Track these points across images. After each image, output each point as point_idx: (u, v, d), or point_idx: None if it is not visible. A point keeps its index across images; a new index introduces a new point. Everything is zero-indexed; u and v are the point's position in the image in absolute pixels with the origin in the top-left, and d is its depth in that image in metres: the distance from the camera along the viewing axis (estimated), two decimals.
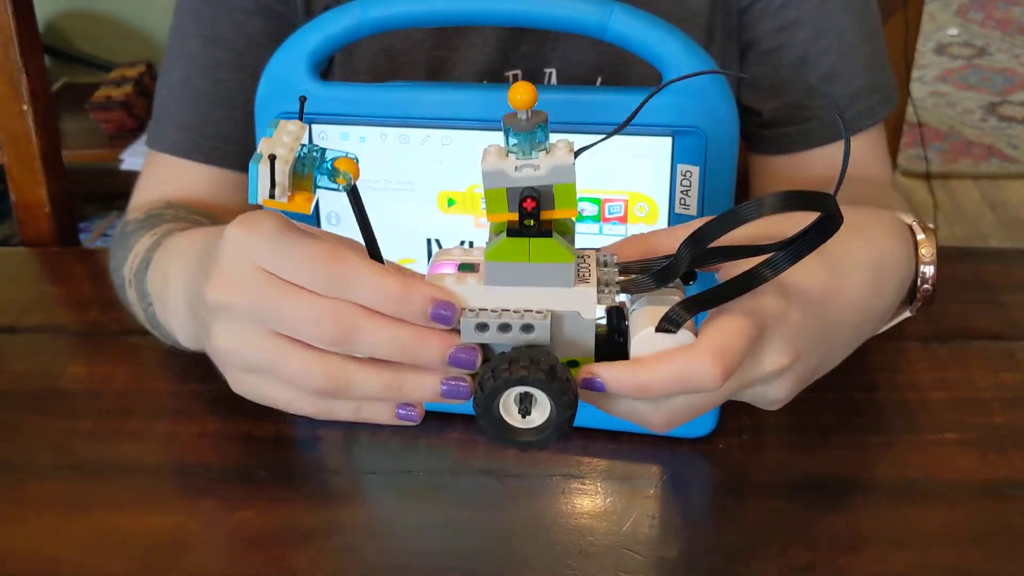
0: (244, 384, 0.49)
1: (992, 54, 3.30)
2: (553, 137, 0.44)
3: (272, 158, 0.43)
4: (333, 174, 0.45)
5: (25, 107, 1.02)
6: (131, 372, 0.78)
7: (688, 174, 0.62)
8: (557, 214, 0.44)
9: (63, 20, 2.35)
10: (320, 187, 0.45)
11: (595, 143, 0.46)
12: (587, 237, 0.63)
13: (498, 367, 0.44)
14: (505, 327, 0.44)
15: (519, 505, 0.65)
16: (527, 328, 0.44)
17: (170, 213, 0.73)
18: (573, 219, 0.46)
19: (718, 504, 0.66)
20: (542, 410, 0.45)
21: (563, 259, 0.44)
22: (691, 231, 0.43)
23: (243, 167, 0.79)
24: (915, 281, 0.60)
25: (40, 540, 0.63)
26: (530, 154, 0.42)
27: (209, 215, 0.76)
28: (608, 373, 0.45)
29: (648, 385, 0.44)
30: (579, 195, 0.45)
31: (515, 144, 0.43)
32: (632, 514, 0.64)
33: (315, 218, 0.69)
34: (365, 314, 0.44)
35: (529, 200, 0.43)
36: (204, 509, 0.65)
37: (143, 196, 0.80)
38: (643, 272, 0.47)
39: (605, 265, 0.47)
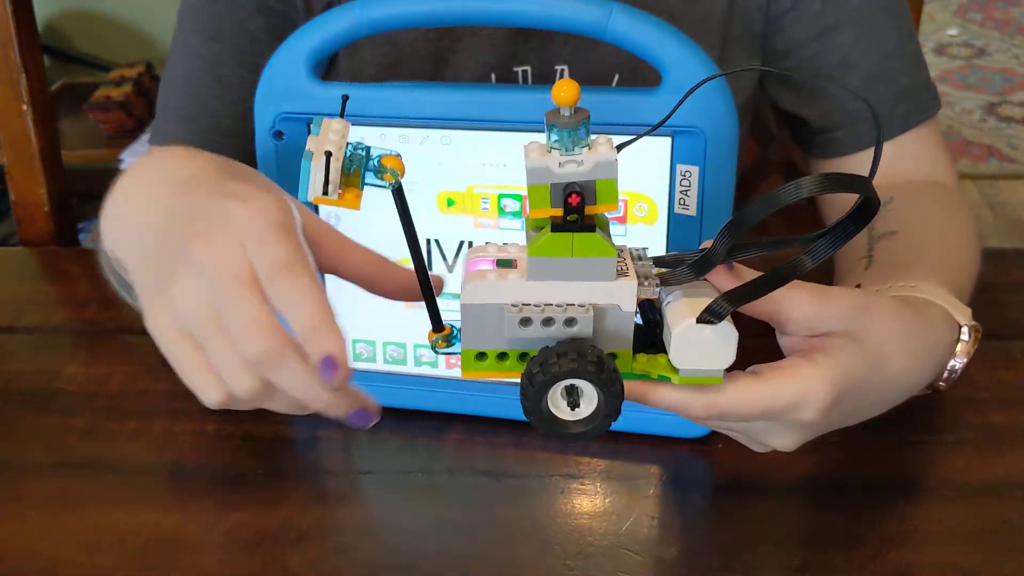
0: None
1: (991, 54, 3.29)
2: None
3: (328, 154, 0.43)
4: (380, 171, 0.45)
5: (24, 107, 1.02)
6: (129, 372, 0.78)
7: (688, 174, 0.62)
8: (599, 209, 0.44)
9: (63, 20, 2.35)
10: (367, 184, 0.45)
11: (635, 139, 0.46)
12: None
13: (546, 361, 0.44)
14: (548, 321, 0.45)
15: (518, 505, 0.65)
16: (570, 322, 0.45)
17: None
18: (607, 215, 0.47)
19: (717, 504, 0.66)
20: (590, 401, 0.46)
21: (605, 253, 0.45)
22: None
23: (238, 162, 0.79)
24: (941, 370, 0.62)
25: (37, 538, 0.63)
26: (572, 150, 0.43)
27: None
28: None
29: (655, 402, 0.49)
30: None
31: (557, 140, 0.43)
32: (632, 514, 0.64)
33: None
34: (291, 348, 0.43)
35: (574, 195, 0.43)
36: (201, 509, 0.65)
37: None
38: (677, 265, 0.47)
39: (640, 259, 0.48)
